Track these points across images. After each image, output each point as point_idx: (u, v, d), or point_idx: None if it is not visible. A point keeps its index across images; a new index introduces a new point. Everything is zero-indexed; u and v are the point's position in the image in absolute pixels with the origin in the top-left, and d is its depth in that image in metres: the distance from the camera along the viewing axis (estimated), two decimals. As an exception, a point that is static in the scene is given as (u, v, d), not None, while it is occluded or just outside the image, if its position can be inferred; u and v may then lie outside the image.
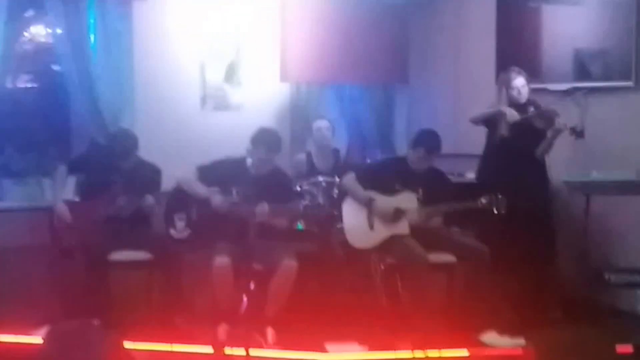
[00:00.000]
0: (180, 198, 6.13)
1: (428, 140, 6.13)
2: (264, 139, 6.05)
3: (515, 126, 6.33)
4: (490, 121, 6.50)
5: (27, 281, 6.30)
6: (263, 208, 5.83)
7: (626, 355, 4.96)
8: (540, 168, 6.40)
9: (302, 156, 7.22)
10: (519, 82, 6.41)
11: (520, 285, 6.29)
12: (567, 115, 6.23)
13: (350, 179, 6.28)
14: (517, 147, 6.36)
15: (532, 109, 6.37)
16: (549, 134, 6.24)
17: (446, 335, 5.55)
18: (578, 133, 6.03)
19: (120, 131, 6.63)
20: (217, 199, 5.95)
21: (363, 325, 5.96)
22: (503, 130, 6.38)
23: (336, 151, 7.35)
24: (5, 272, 5.98)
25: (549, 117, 6.25)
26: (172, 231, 6.12)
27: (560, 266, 6.38)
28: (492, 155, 6.60)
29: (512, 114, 6.35)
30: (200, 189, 6.04)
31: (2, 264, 5.91)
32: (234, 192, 5.99)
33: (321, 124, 7.20)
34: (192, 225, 6.09)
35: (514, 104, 6.41)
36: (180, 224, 6.10)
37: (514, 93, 6.40)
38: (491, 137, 6.56)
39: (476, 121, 6.61)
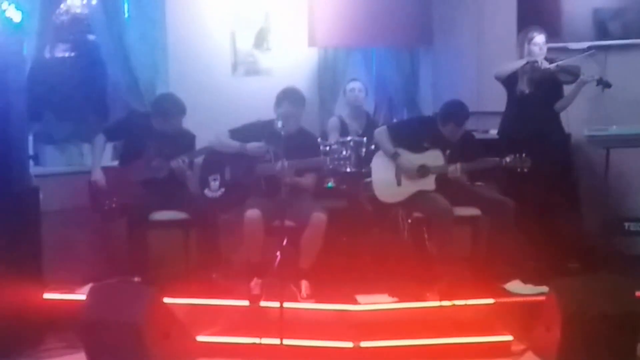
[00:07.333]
0: (213, 160, 6.25)
1: (456, 115, 6.16)
2: (287, 95, 6.14)
3: (536, 81, 6.42)
4: (511, 79, 6.56)
5: (70, 242, 6.45)
6: (293, 165, 5.88)
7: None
8: (559, 122, 6.45)
9: (335, 119, 7.27)
10: (540, 39, 6.48)
11: (543, 235, 6.36)
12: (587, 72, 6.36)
13: (382, 132, 6.39)
14: (538, 102, 6.45)
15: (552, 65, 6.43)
16: (574, 86, 6.29)
17: (472, 285, 5.71)
18: (605, 83, 6.11)
19: (167, 95, 6.62)
20: (251, 145, 6.11)
21: (392, 278, 6.09)
22: (524, 86, 6.48)
23: (367, 113, 7.45)
24: (48, 234, 5.99)
25: (574, 71, 6.33)
26: (206, 191, 6.22)
27: (581, 217, 6.48)
28: (513, 111, 6.68)
29: (544, 62, 6.43)
30: (233, 143, 6.19)
31: (45, 227, 5.93)
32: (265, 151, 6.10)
33: (354, 85, 7.27)
34: (225, 184, 6.19)
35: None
36: (214, 184, 6.19)
37: (536, 49, 6.46)
38: (511, 95, 6.63)
39: (502, 75, 6.65)
